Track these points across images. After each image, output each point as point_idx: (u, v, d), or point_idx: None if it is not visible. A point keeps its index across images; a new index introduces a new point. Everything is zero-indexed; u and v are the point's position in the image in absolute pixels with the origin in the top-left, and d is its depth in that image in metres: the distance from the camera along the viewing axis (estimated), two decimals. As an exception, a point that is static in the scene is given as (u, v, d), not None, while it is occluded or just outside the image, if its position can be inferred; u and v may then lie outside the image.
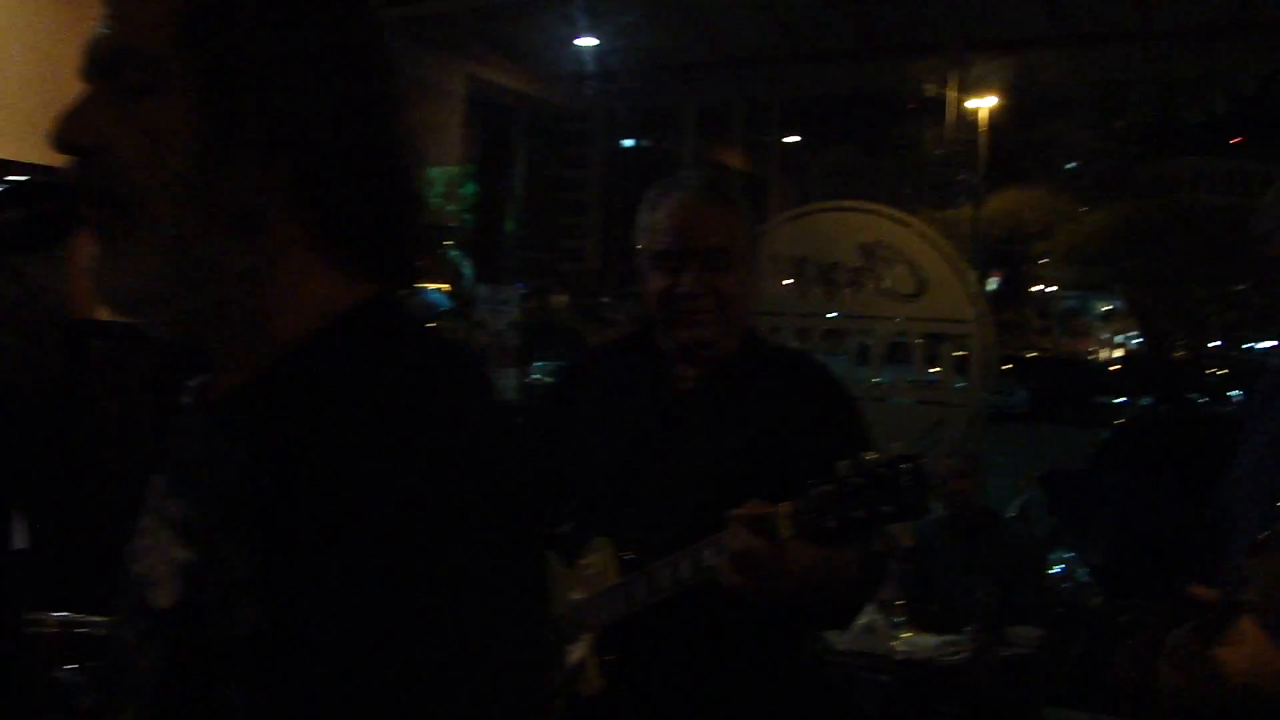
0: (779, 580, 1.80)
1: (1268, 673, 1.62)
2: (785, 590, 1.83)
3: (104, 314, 2.92)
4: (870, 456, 1.70)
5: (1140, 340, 44.29)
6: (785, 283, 3.87)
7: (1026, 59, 10.35)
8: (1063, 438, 17.19)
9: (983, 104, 38.85)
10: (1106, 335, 49.23)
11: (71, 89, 0.96)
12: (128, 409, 3.88)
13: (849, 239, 3.73)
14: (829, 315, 3.88)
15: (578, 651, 2.15)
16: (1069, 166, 48.02)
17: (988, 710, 4.24)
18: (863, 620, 4.05)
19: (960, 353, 3.67)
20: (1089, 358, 44.50)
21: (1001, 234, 41.80)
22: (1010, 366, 30.26)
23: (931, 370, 3.81)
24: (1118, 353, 45.73)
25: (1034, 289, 47.60)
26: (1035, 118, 42.31)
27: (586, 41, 8.76)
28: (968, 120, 41.06)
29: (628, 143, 33.69)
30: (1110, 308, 45.75)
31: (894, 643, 4.00)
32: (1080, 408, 24.56)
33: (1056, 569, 6.77)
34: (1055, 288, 47.97)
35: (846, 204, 3.99)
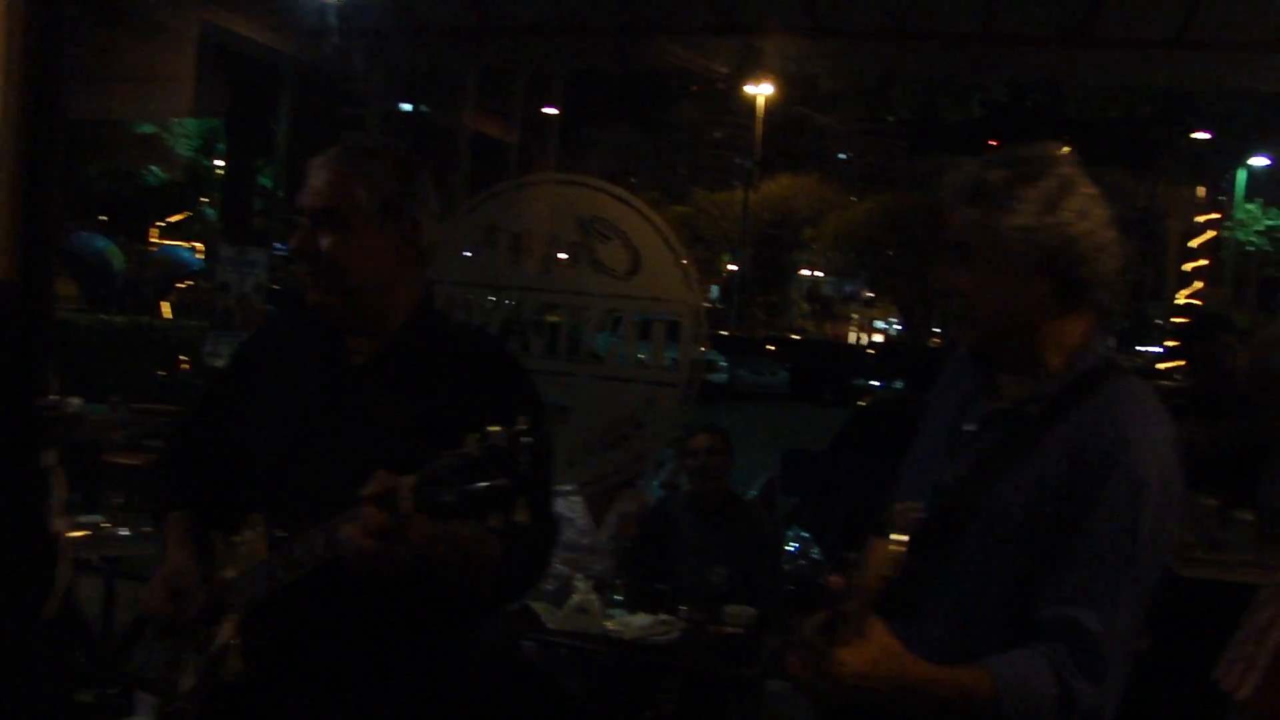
0: (400, 555, 1.74)
1: (882, 675, 1.61)
2: (407, 566, 1.76)
3: None
4: (493, 430, 1.63)
5: (900, 328, 46.31)
6: (498, 256, 3.80)
7: (802, 49, 10.58)
8: (819, 418, 17.74)
9: (760, 91, 39.91)
10: (867, 320, 51.27)
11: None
12: None
13: (567, 213, 3.69)
14: (545, 290, 3.82)
15: (223, 633, 2.04)
16: (841, 157, 49.70)
17: (705, 687, 4.28)
18: (575, 599, 4.02)
19: (672, 332, 3.68)
20: (849, 341, 46.26)
21: (772, 218, 43.00)
22: (773, 348, 31.20)
23: (643, 349, 3.79)
24: (877, 337, 47.67)
25: (801, 272, 49.15)
26: (811, 108, 43.59)
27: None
28: (746, 106, 42.11)
29: (405, 107, 33.02)
30: (872, 294, 47.60)
31: (607, 622, 3.97)
32: (838, 389, 25.45)
33: (791, 547, 6.91)
34: (820, 273, 49.62)
35: (566, 177, 3.93)
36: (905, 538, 1.57)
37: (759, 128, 40.12)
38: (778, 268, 46.07)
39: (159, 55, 6.41)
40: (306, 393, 2.14)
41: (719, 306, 44.60)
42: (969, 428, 1.92)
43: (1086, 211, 1.80)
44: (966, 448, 1.90)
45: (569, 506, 4.99)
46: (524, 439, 1.62)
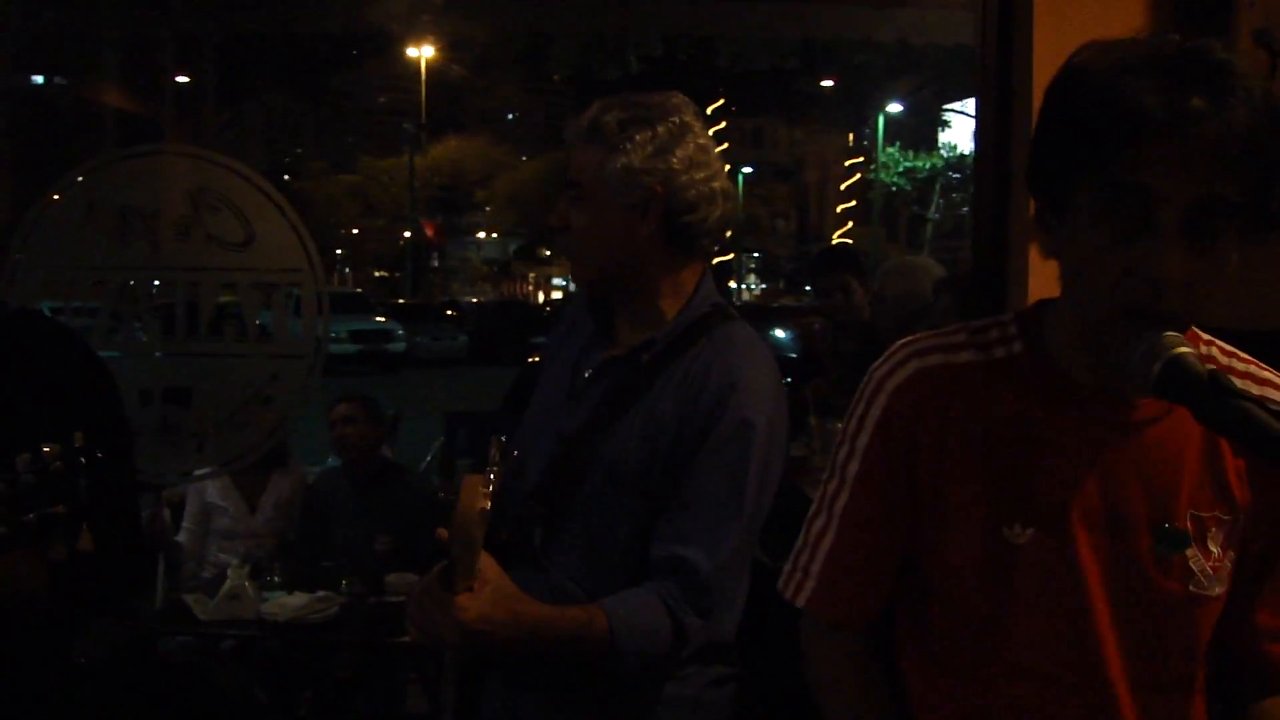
0: None
1: (500, 619, 1.63)
2: None
3: None
4: (48, 449, 1.46)
5: (579, 283, 46.84)
6: (101, 234, 3.56)
7: (461, 7, 10.39)
8: (500, 379, 17.75)
9: (422, 54, 39.37)
10: (544, 278, 51.73)
11: None
12: None
13: (174, 186, 3.50)
14: (155, 269, 3.60)
15: None
16: (509, 117, 49.80)
17: (377, 659, 4.23)
18: (225, 586, 3.87)
19: (294, 301, 3.56)
20: (526, 300, 46.55)
21: (444, 181, 42.68)
22: (452, 313, 31.00)
23: (264, 320, 3.65)
24: (556, 295, 48.19)
25: (478, 235, 49.06)
26: (475, 69, 43.35)
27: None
28: (409, 70, 41.47)
29: (37, 79, 30.77)
30: (549, 253, 48.06)
31: (263, 606, 3.84)
32: (517, 350, 25.59)
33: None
34: (495, 234, 49.67)
35: (170, 148, 3.72)
36: (492, 472, 1.57)
37: (423, 91, 39.64)
38: (452, 231, 45.83)
39: None
40: None
41: (395, 275, 43.96)
42: (587, 374, 1.94)
43: (696, 161, 1.85)
44: (584, 395, 1.92)
45: (221, 493, 4.82)
46: (83, 458, 1.48)
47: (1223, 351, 1.35)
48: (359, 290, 33.98)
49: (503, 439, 1.66)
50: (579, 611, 1.72)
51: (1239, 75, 1.12)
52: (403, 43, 36.94)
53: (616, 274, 1.90)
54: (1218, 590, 1.29)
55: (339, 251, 43.24)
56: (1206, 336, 1.35)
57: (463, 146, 43.16)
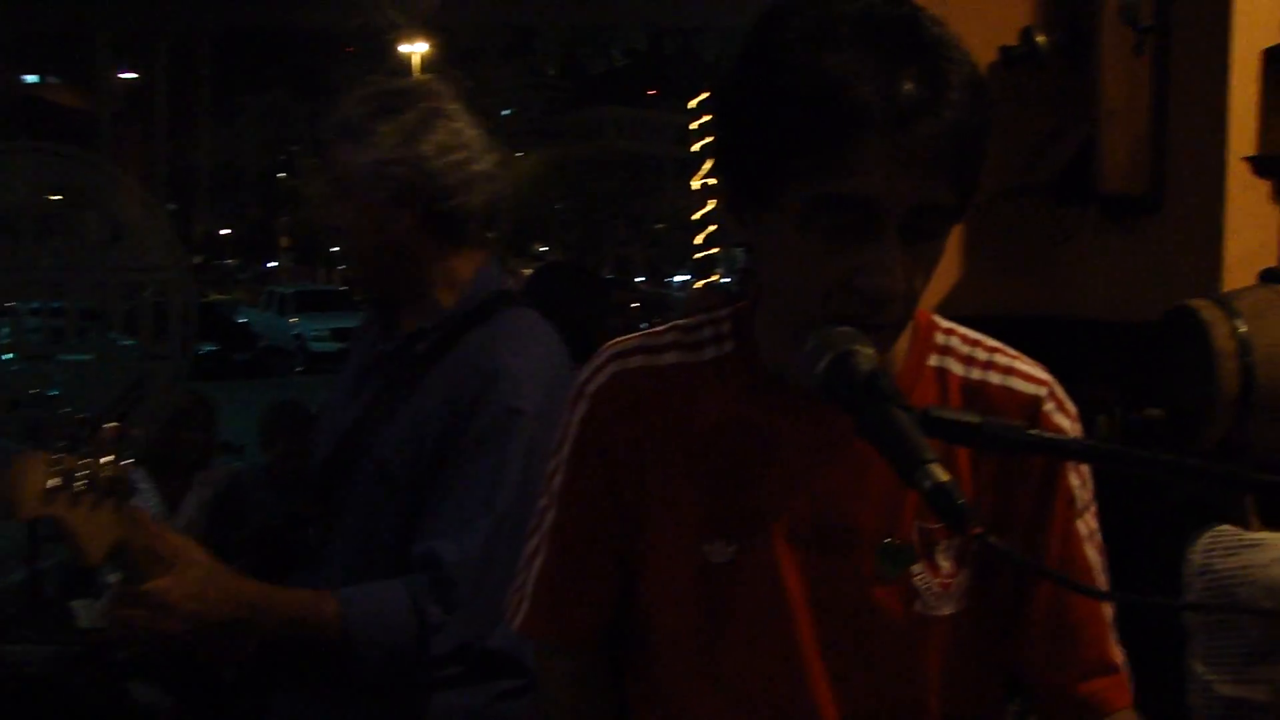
0: None
1: (216, 597, 1.57)
2: None
3: None
4: None
5: (574, 278, 46.92)
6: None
7: (451, 3, 10.48)
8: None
9: (415, 50, 39.30)
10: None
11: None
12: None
13: (38, 183, 3.46)
14: (15, 269, 3.52)
15: None
16: (505, 113, 49.80)
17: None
18: (104, 595, 3.72)
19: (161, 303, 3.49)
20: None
21: (437, 177, 42.59)
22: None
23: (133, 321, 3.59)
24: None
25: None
26: (467, 64, 43.35)
27: None
28: (403, 66, 41.37)
29: (31, 78, 31.02)
30: (545, 247, 48.08)
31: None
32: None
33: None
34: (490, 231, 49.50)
35: (31, 144, 3.69)
36: (65, 452, 1.52)
37: (417, 87, 39.57)
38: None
39: None
40: None
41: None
42: (365, 370, 1.94)
43: (449, 145, 1.79)
44: (360, 391, 1.91)
45: (141, 497, 4.78)
46: None
47: (964, 340, 1.21)
48: (344, 287, 33.52)
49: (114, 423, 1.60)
50: (308, 593, 1.67)
51: (953, 58, 1.02)
52: (395, 39, 36.99)
53: (386, 269, 1.84)
54: (948, 610, 1.16)
55: (332, 250, 43.18)
56: (946, 325, 1.22)
57: (456, 142, 43.14)
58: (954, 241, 1.19)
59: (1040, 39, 2.71)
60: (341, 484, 1.82)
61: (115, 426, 1.56)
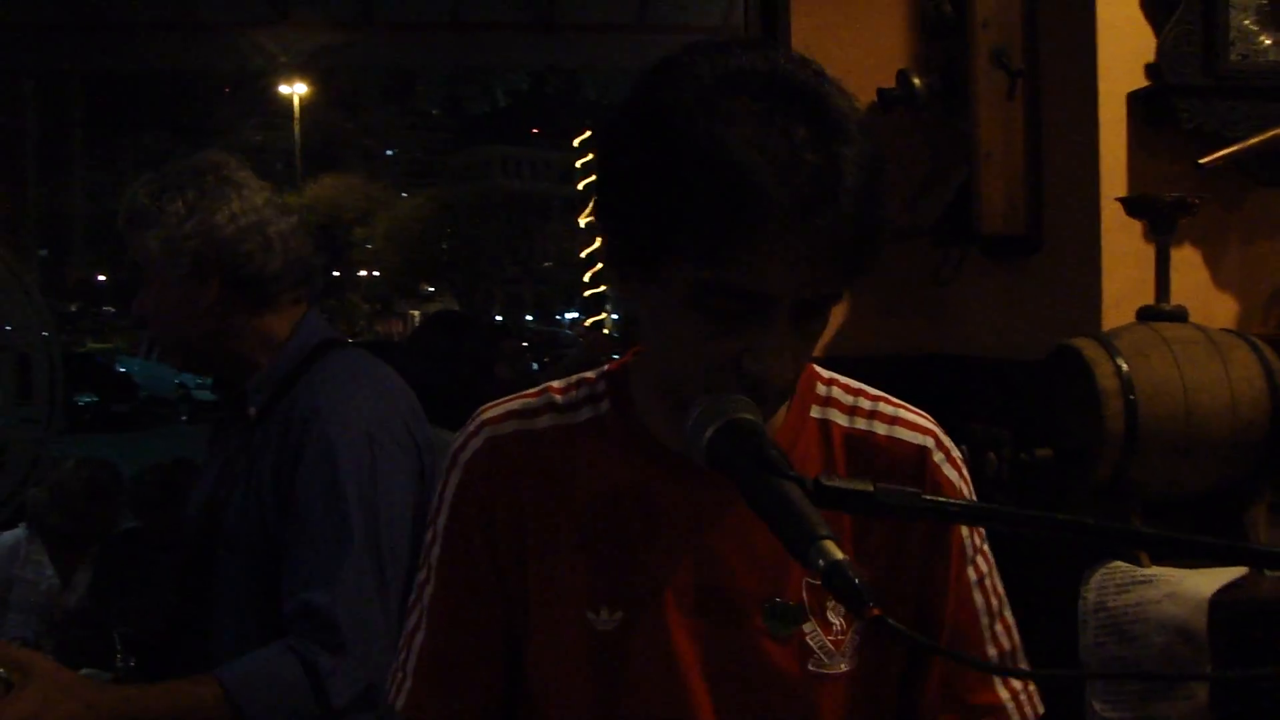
0: None
1: (70, 713, 1.47)
2: None
3: None
4: None
5: (463, 317, 46.70)
6: None
7: (334, 44, 10.39)
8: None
9: (295, 90, 39.03)
10: (429, 313, 51.16)
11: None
12: None
13: None
14: None
15: None
16: (389, 154, 49.50)
17: None
18: None
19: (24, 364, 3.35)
20: (398, 339, 46.10)
21: (321, 220, 42.25)
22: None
23: None
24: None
25: (360, 273, 48.58)
26: (349, 105, 43.08)
27: None
28: (283, 107, 41.11)
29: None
30: (431, 288, 47.81)
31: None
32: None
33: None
34: (377, 272, 49.26)
35: None
36: None
37: (297, 128, 39.30)
38: (333, 270, 45.32)
39: None
40: None
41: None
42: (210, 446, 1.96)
43: (243, 211, 1.81)
44: (214, 461, 1.92)
45: (34, 569, 4.56)
46: None
47: (846, 390, 1.20)
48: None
49: None
50: (184, 682, 1.61)
51: (854, 137, 0.96)
52: (274, 81, 36.59)
53: (201, 345, 1.86)
54: (843, 666, 1.13)
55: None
56: (827, 375, 1.21)
57: (338, 184, 42.85)
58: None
59: (917, 82, 2.74)
60: (205, 562, 1.80)
61: None
